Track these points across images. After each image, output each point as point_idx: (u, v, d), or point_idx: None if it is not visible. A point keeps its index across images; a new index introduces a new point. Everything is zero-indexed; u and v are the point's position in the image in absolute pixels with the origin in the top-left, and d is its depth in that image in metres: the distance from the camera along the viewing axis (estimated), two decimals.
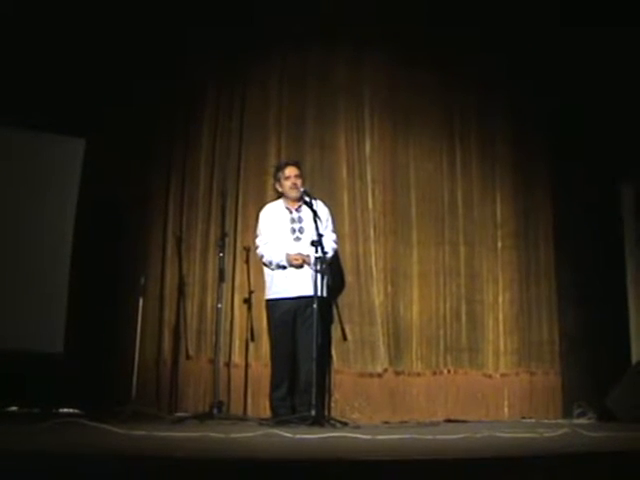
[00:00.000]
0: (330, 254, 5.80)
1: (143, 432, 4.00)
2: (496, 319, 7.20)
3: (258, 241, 5.92)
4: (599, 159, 7.45)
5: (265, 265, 5.88)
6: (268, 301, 5.88)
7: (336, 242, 6.06)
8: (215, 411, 5.62)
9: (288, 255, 5.72)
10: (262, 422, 5.40)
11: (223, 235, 6.00)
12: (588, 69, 7.35)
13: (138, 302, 5.98)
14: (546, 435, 4.58)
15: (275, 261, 5.77)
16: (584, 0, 7.09)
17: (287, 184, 5.89)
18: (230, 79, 6.87)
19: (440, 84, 7.41)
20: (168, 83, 6.57)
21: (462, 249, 7.21)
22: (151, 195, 6.55)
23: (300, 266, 5.71)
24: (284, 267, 5.75)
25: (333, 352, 6.47)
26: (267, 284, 5.89)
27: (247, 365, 6.36)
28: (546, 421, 6.71)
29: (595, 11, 6.99)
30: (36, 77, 6.12)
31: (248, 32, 6.82)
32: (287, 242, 5.80)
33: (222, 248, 5.92)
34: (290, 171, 5.92)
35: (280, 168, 6.01)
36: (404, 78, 7.30)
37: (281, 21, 6.91)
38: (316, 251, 5.48)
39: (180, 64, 6.61)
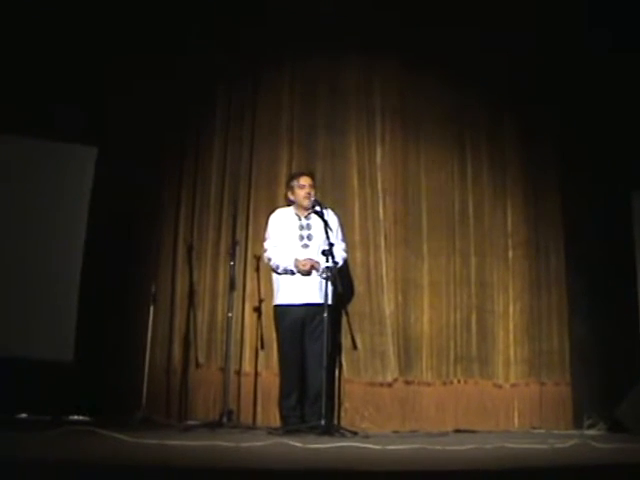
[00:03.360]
0: (340, 263, 5.82)
1: (153, 440, 4.00)
2: (506, 329, 7.17)
3: (266, 244, 5.94)
4: (609, 168, 7.44)
5: (273, 270, 5.90)
6: (276, 307, 5.89)
7: (346, 251, 6.08)
8: (225, 419, 5.63)
9: (297, 260, 5.73)
10: (271, 431, 5.40)
11: (234, 243, 6.03)
12: (598, 78, 7.35)
13: (149, 310, 6.01)
14: (556, 446, 4.56)
15: (283, 265, 5.78)
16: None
17: (301, 193, 5.92)
18: (241, 88, 6.88)
19: (451, 93, 7.40)
20: (179, 92, 6.59)
21: (473, 259, 7.18)
22: (162, 203, 6.57)
23: (308, 273, 5.73)
24: (292, 272, 5.77)
25: (343, 361, 6.48)
26: (275, 290, 5.91)
27: (257, 374, 6.36)
28: (556, 432, 6.66)
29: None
30: (48, 85, 6.17)
31: (259, 41, 6.84)
32: (295, 248, 5.82)
33: (233, 256, 5.95)
34: (305, 180, 5.96)
35: (295, 177, 6.06)
36: (415, 87, 7.29)
37: (291, 29, 6.93)
38: (327, 260, 5.50)
39: (191, 73, 6.63)
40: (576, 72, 7.44)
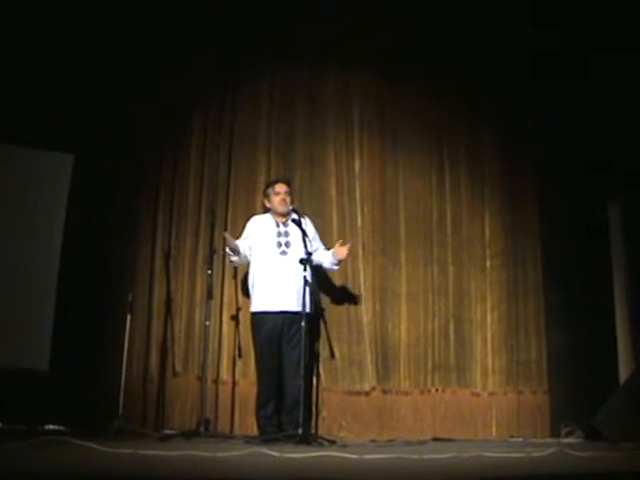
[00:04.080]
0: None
1: (129, 450, 3.97)
2: (484, 338, 7.19)
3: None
4: (586, 178, 7.49)
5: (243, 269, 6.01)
6: (253, 314, 5.89)
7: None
8: (202, 429, 5.59)
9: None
10: (249, 440, 5.37)
11: (212, 252, 5.99)
12: (577, 89, 7.40)
13: (125, 319, 5.96)
14: (534, 455, 4.57)
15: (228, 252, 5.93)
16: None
17: (276, 199, 5.98)
18: (219, 95, 6.87)
19: (429, 103, 7.42)
20: (157, 99, 6.56)
21: (450, 268, 7.20)
22: (139, 211, 6.53)
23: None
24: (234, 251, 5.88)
25: (321, 370, 6.46)
26: (251, 297, 5.93)
27: (234, 382, 6.33)
28: (534, 440, 6.68)
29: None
30: (25, 92, 6.12)
31: (238, 50, 6.83)
32: (273, 255, 5.84)
33: (210, 265, 5.92)
34: (280, 187, 6.03)
35: (271, 184, 6.14)
36: (393, 96, 7.31)
37: (271, 38, 6.93)
38: (304, 269, 5.50)
39: (170, 81, 6.60)
40: (553, 82, 7.49)
